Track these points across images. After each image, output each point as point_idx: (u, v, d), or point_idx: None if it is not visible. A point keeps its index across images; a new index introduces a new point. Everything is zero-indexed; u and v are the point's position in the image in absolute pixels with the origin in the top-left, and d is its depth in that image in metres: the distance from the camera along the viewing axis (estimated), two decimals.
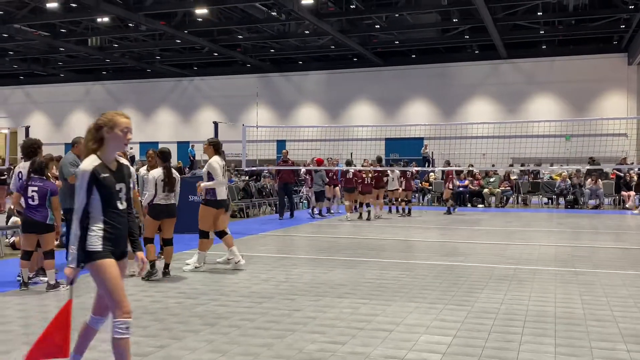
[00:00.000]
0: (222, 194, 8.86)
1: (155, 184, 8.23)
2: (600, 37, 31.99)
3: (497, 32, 28.19)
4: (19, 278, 8.02)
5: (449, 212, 19.21)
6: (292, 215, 17.59)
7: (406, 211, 18.77)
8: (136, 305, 6.59)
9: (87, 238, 3.79)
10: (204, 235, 8.84)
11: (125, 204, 3.98)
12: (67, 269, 3.79)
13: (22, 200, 8.31)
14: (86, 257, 3.80)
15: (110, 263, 3.80)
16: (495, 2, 25.39)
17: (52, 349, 3.88)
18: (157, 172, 8.34)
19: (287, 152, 18.65)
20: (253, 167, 22.98)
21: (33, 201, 7.41)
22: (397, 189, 18.71)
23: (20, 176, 8.06)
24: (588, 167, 22.45)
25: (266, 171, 24.86)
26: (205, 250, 8.86)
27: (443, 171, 20.05)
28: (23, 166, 8.13)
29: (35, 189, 7.44)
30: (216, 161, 8.78)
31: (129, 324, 3.82)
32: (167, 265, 8.36)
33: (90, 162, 3.82)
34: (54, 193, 7.57)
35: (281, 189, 17.71)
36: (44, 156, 8.13)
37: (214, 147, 8.98)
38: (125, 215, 3.98)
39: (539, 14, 27.15)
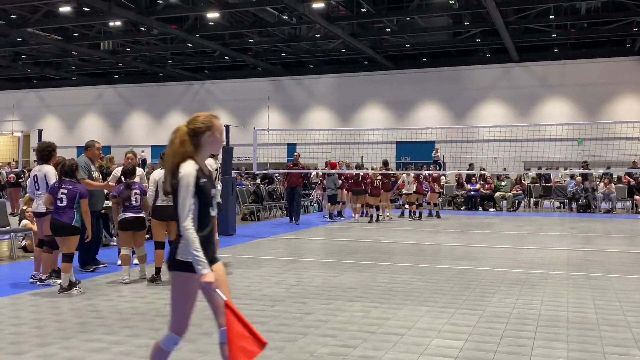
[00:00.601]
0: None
1: (157, 186, 8.22)
2: (613, 40, 31.77)
3: (508, 35, 28.08)
4: (32, 280, 8.09)
5: (438, 215, 19.26)
6: (297, 219, 17.19)
7: (417, 215, 18.70)
8: (149, 308, 6.62)
9: (179, 246, 3.59)
10: None
11: (216, 210, 3.81)
12: (206, 276, 3.44)
13: (33, 202, 8.38)
14: (176, 265, 3.59)
15: (195, 278, 3.55)
16: (506, 5, 25.29)
17: (248, 348, 3.48)
18: (158, 174, 8.22)
19: (299, 156, 18.48)
20: (265, 170, 23.01)
21: (61, 203, 7.47)
22: (411, 193, 18.66)
23: (35, 179, 8.10)
24: (580, 170, 22.42)
25: (277, 174, 24.90)
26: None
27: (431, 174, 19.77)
28: (38, 169, 8.17)
29: (65, 191, 7.51)
30: (207, 163, 8.83)
31: (178, 341, 3.72)
32: None
33: (192, 167, 3.65)
34: (83, 196, 7.61)
35: (289, 192, 17.61)
36: (71, 160, 8.22)
37: None
38: (214, 222, 3.82)
39: (551, 17, 26.99)
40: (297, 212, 17.34)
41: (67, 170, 7.64)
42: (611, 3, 26.49)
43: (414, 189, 18.57)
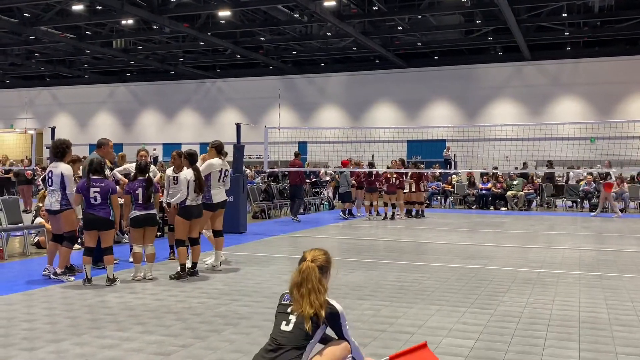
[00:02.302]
0: (217, 196, 8.98)
1: (188, 185, 8.27)
2: (626, 38, 31.53)
3: (520, 33, 27.94)
4: (45, 272, 8.15)
5: (422, 215, 18.40)
6: (294, 217, 17.06)
7: (413, 213, 18.37)
8: (159, 305, 6.65)
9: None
10: (217, 235, 9.10)
11: None
12: None
13: (49, 199, 8.42)
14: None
15: None
16: (519, 3, 25.17)
17: None
18: (189, 174, 8.31)
19: (300, 154, 18.56)
20: (274, 168, 23.05)
21: (96, 201, 7.68)
22: (406, 192, 18.43)
23: (50, 175, 8.14)
24: (546, 170, 22.34)
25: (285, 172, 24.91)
26: (219, 249, 9.02)
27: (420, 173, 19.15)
28: (54, 166, 8.21)
29: (97, 189, 7.71)
30: (210, 163, 8.99)
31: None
32: (194, 265, 8.41)
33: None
34: (114, 191, 7.86)
35: (293, 189, 17.53)
36: (95, 158, 8.31)
37: (216, 149, 9.20)
38: None
39: (563, 15, 26.84)
40: (296, 210, 17.23)
41: (95, 168, 7.84)
42: (624, 1, 26.29)
43: (412, 189, 18.26)
